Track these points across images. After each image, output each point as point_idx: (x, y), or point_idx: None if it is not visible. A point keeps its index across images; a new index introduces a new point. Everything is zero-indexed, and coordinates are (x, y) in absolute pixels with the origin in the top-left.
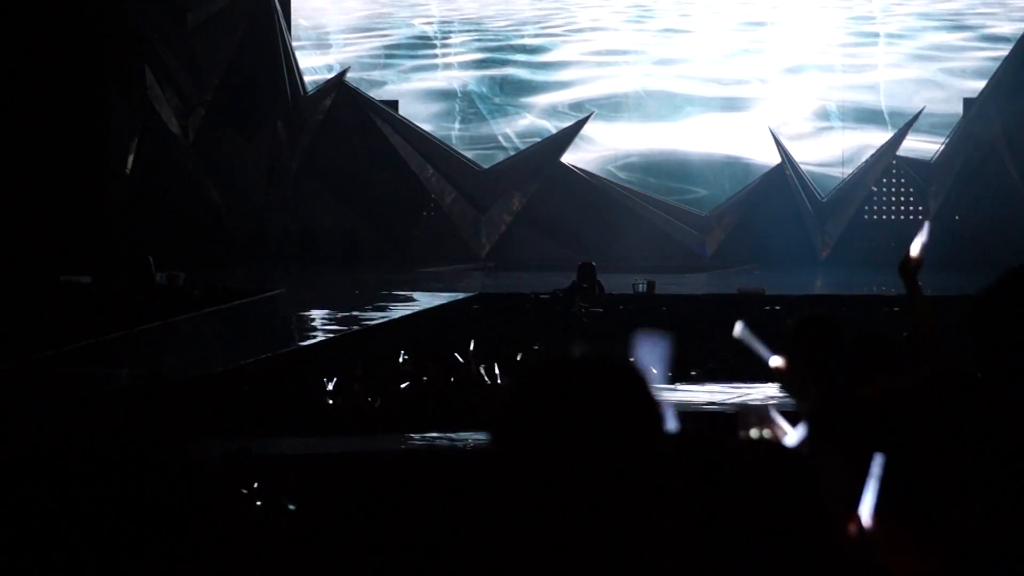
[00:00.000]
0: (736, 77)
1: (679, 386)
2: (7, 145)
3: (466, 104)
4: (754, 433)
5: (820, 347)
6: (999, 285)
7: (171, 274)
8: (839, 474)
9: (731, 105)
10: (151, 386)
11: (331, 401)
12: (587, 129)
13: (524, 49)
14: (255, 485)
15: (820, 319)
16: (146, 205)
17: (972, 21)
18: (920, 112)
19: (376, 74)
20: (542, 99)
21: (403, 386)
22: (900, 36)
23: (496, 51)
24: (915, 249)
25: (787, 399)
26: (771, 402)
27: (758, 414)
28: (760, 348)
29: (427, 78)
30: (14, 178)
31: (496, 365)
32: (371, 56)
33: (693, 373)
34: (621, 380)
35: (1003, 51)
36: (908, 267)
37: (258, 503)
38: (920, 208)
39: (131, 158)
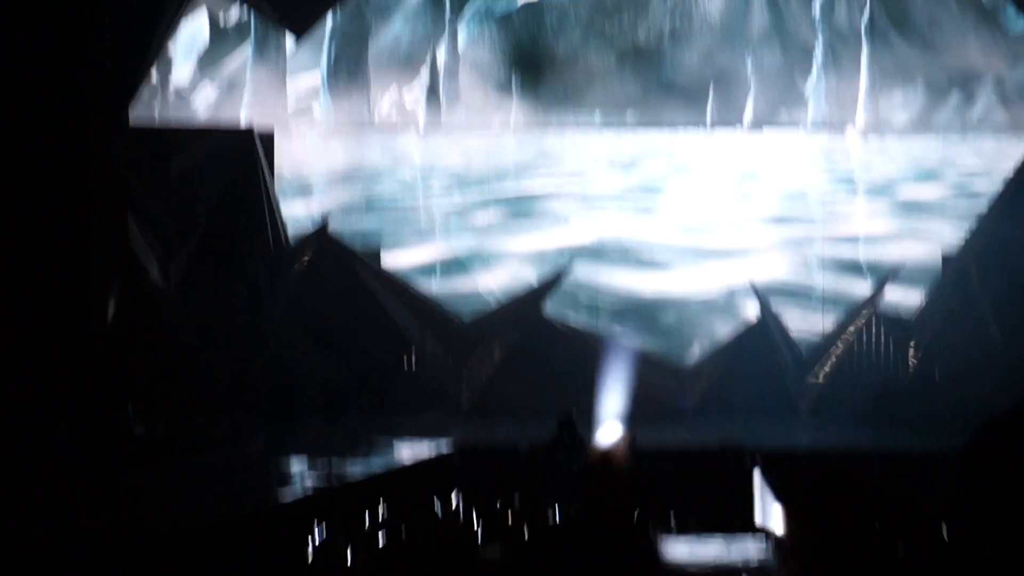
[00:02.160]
0: (719, 227)
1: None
2: None
3: (448, 252)
4: None
5: None
6: (982, 441)
7: (150, 425)
8: None
9: (714, 255)
10: (126, 540)
11: (312, 558)
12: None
13: (506, 197)
14: None
15: None
16: (126, 352)
17: (951, 177)
18: (898, 268)
19: (358, 223)
20: (523, 245)
21: (382, 543)
22: (879, 190)
23: (479, 198)
24: None
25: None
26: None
27: None
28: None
29: (410, 224)
30: None
31: (474, 512)
32: (354, 204)
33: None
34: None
35: (980, 205)
36: None
37: None
38: (901, 363)
39: (112, 306)
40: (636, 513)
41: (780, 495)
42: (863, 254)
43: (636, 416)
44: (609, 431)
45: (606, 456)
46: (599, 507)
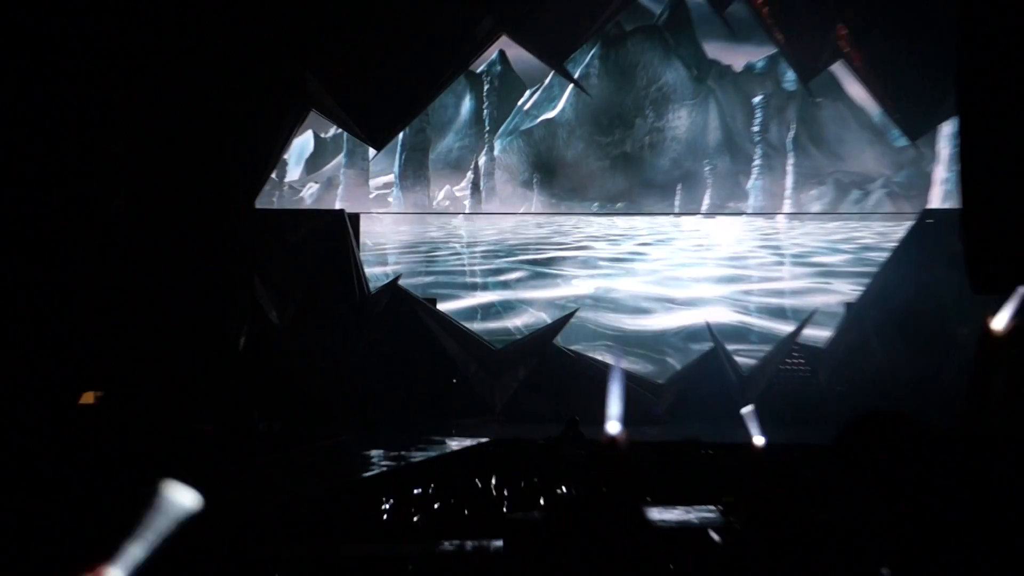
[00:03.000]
0: (690, 280)
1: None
2: (162, 318)
3: (486, 301)
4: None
5: None
6: (852, 433)
7: (269, 425)
8: None
9: (679, 303)
10: (255, 506)
11: (385, 516)
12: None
13: (531, 260)
14: None
15: None
16: (252, 372)
17: (851, 250)
18: (813, 313)
19: (420, 279)
20: (542, 295)
21: (434, 505)
22: (800, 258)
23: (508, 263)
24: (998, 323)
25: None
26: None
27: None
28: (754, 428)
29: (459, 281)
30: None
31: (504, 488)
32: (417, 266)
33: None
34: None
35: (874, 265)
36: (990, 344)
37: None
38: (814, 381)
39: (243, 339)
40: (629, 488)
41: (728, 477)
42: (788, 304)
43: (622, 419)
44: (611, 428)
45: (610, 444)
46: (603, 483)
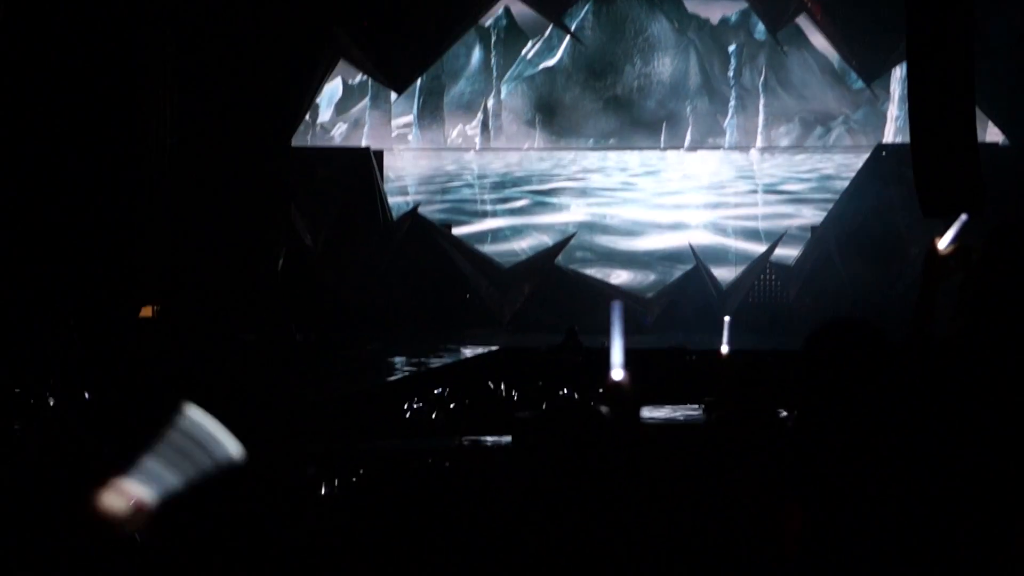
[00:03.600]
0: (674, 206)
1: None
2: (211, 242)
3: (494, 226)
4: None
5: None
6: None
7: (305, 335)
8: None
9: (666, 227)
10: (289, 407)
11: (407, 415)
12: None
13: (535, 190)
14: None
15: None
16: (290, 288)
17: (816, 179)
18: (783, 235)
19: (437, 207)
20: (545, 220)
21: (451, 405)
22: (771, 187)
23: (515, 192)
24: (943, 243)
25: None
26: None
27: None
28: (726, 337)
29: (469, 209)
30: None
31: (513, 390)
32: (434, 196)
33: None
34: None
35: (835, 192)
36: (934, 262)
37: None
38: (785, 295)
39: (281, 261)
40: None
41: (709, 379)
42: (761, 227)
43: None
44: (616, 375)
45: (615, 387)
46: (600, 386)
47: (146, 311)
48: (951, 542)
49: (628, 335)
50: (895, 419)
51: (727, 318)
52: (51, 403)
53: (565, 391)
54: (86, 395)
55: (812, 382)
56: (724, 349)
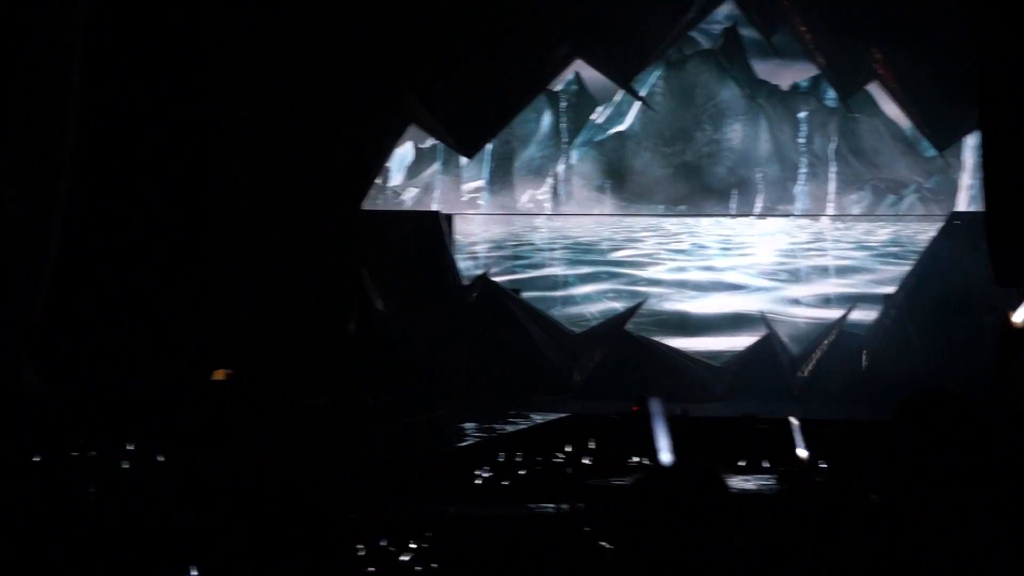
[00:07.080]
0: (745, 273)
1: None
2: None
3: (565, 292)
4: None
5: None
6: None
7: (376, 398)
8: None
9: (737, 289)
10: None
11: (478, 482)
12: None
13: (605, 256)
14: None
15: None
16: (361, 352)
17: (888, 247)
18: (855, 303)
19: (506, 272)
20: (615, 286)
21: (521, 472)
22: (844, 252)
23: (584, 259)
24: (1018, 316)
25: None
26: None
27: None
28: (799, 440)
29: (539, 275)
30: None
31: (584, 459)
32: (504, 262)
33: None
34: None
35: (909, 261)
36: (1010, 333)
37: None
38: (857, 364)
39: (352, 324)
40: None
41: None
42: (832, 294)
43: (687, 397)
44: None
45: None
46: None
47: (219, 375)
48: None
49: (700, 403)
50: (992, 492)
51: (795, 421)
52: (125, 467)
53: (638, 459)
54: (159, 459)
55: (906, 454)
56: (803, 453)
